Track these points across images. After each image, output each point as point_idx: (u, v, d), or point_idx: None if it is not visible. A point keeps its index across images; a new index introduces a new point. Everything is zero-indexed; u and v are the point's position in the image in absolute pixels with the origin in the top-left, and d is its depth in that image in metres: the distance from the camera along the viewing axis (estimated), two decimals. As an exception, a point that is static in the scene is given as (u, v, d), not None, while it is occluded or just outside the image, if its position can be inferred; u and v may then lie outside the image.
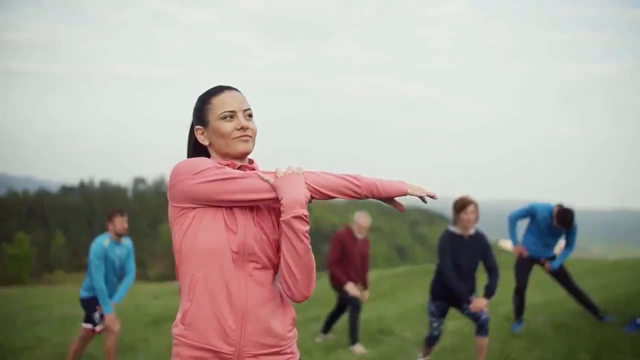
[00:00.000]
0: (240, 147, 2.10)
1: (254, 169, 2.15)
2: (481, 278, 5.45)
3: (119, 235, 6.24)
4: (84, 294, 6.32)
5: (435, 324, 5.57)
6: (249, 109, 2.13)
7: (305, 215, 2.00)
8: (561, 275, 7.08)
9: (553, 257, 7.04)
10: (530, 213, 7.01)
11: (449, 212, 5.73)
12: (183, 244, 2.05)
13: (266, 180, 2.03)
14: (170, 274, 44.41)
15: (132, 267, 6.44)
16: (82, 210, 71.69)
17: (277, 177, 2.04)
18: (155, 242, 65.16)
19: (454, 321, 7.50)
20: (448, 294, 5.40)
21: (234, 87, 2.18)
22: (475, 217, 5.37)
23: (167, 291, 18.64)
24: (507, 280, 7.16)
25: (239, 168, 2.12)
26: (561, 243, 7.15)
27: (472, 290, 5.45)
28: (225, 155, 2.12)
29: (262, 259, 2.06)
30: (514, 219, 7.07)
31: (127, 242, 6.41)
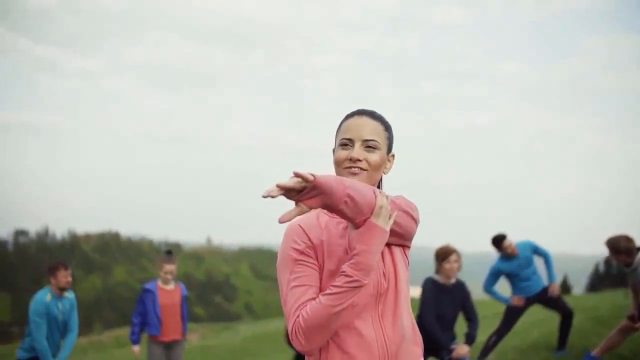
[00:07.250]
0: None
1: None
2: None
3: (62, 290, 5.75)
4: (22, 354, 5.77)
5: None
6: (373, 139, 1.91)
7: None
8: (554, 300, 7.09)
9: (546, 289, 7.10)
10: (496, 273, 7.08)
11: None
12: None
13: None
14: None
15: (75, 322, 5.98)
16: (-45, 266, 66.46)
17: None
18: (39, 298, 61.20)
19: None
20: (429, 343, 5.28)
21: (372, 111, 1.98)
22: (458, 265, 5.34)
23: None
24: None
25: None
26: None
27: (452, 338, 5.39)
28: None
29: (396, 297, 1.87)
30: (489, 289, 7.10)
31: (70, 295, 5.93)
